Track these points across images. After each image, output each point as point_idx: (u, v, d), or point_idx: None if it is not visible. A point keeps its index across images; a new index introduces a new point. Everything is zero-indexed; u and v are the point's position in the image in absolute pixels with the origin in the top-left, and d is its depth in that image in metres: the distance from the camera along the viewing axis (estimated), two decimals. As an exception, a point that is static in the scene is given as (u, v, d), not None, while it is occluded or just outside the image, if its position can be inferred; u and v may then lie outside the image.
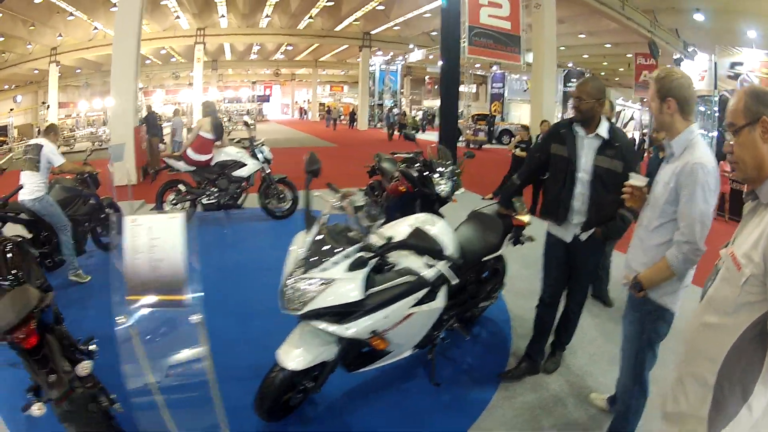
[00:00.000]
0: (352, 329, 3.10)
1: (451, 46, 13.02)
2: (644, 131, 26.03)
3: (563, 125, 3.77)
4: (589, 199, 3.57)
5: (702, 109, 20.13)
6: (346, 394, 3.87)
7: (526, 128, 11.79)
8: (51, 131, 6.33)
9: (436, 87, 45.16)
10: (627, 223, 3.50)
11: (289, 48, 42.74)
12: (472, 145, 24.58)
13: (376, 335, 3.20)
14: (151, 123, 14.95)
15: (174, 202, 8.52)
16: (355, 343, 3.31)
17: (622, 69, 34.38)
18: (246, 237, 8.31)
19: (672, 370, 2.00)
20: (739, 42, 21.20)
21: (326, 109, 47.05)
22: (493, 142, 28.41)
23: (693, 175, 2.53)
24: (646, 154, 13.16)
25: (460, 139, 23.56)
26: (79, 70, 38.36)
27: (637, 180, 2.92)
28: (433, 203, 5.88)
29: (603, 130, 3.54)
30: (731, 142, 1.86)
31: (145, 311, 2.82)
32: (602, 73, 37.67)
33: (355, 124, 39.91)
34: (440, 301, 3.57)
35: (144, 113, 15.62)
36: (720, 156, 9.04)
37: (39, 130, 34.35)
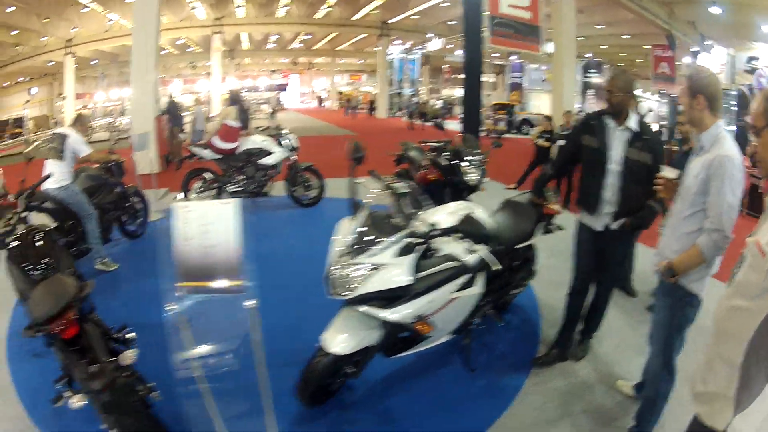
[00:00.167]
0: (398, 314, 3.15)
1: (472, 35, 13.02)
2: (662, 123, 25.79)
3: (594, 117, 3.84)
4: (619, 190, 3.64)
5: (721, 103, 19.95)
6: (383, 380, 3.92)
7: (548, 118, 11.73)
8: (78, 121, 6.35)
9: (454, 76, 45.07)
10: (654, 214, 3.64)
11: (307, 37, 42.74)
12: (492, 135, 24.47)
13: (420, 320, 3.25)
14: (173, 113, 15.06)
15: (200, 190, 8.57)
16: (396, 328, 3.36)
17: (640, 60, 34.03)
18: (274, 225, 8.34)
19: (701, 353, 2.05)
20: (755, 36, 20.99)
21: (345, 98, 47.01)
22: (513, 131, 28.25)
23: (721, 168, 2.66)
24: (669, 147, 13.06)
25: (481, 128, 23.49)
26: (95, 62, 38.61)
27: (669, 172, 3.07)
28: (461, 192, 5.91)
29: (632, 122, 3.62)
30: (755, 143, 1.98)
31: (195, 298, 2.82)
32: (620, 64, 37.30)
33: (373, 112, 39.83)
34: (480, 287, 3.63)
35: (165, 103, 15.68)
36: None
37: (56, 121, 34.81)
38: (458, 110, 33.75)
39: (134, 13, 13.37)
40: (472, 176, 5.93)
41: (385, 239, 3.21)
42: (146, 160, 10.20)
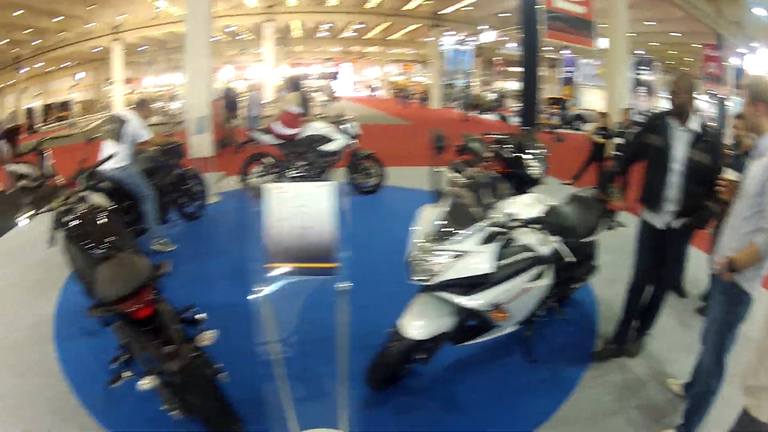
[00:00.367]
0: (477, 301, 3.23)
1: (529, 29, 12.95)
2: (711, 124, 25.10)
3: (658, 117, 3.95)
4: (681, 190, 3.72)
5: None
6: (446, 368, 3.99)
7: (604, 115, 11.63)
8: (141, 105, 6.43)
9: (505, 68, 44.62)
10: (711, 215, 3.77)
11: (360, 26, 42.72)
12: (546, 129, 24.11)
13: (497, 308, 3.33)
14: (230, 98, 15.37)
15: (260, 174, 8.71)
16: (468, 316, 3.44)
17: (689, 59, 33.29)
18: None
19: (751, 351, 2.20)
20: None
21: (398, 87, 47.03)
22: (566, 126, 27.84)
23: None
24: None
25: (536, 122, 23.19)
26: (144, 48, 39.36)
27: (732, 174, 3.23)
28: (523, 185, 5.92)
29: (695, 124, 3.70)
30: None
31: (285, 279, 2.81)
32: (669, 62, 36.52)
33: (426, 102, 39.62)
34: (550, 278, 3.69)
35: (222, 89, 15.99)
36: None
37: (104, 105, 35.64)
38: (509, 103, 33.46)
39: (186, 0, 13.58)
40: (535, 170, 5.95)
41: (468, 227, 3.29)
42: (201, 144, 10.39)
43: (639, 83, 30.42)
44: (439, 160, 3.92)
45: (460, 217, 3.39)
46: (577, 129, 25.94)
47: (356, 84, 56.56)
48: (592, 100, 32.80)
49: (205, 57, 12.97)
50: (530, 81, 13.37)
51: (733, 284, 2.96)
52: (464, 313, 3.36)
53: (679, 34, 29.07)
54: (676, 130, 3.72)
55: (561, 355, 4.28)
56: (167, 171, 6.92)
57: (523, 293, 3.46)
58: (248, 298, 2.80)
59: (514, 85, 39.16)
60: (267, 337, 2.88)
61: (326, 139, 8.66)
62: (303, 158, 8.65)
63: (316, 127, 8.75)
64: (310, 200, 2.73)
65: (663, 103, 23.94)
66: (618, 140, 9.90)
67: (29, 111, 34.56)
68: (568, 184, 10.39)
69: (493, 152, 6.30)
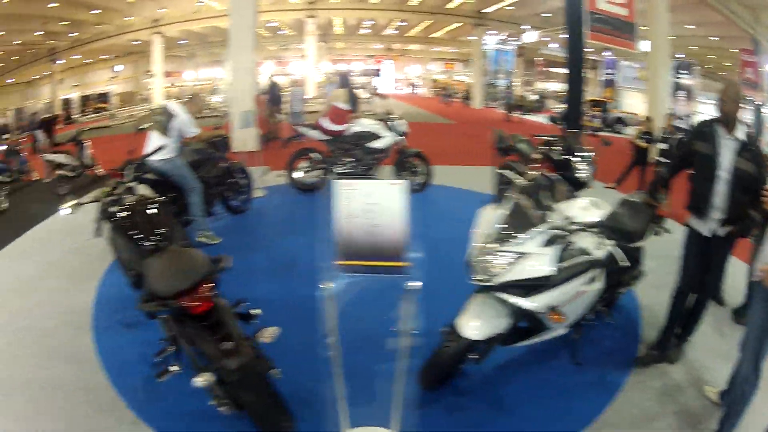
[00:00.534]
0: (536, 302, 3.29)
1: (575, 30, 12.88)
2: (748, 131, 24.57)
3: (706, 124, 3.97)
4: (727, 198, 3.75)
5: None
6: (494, 369, 4.04)
7: (649, 119, 11.55)
8: (190, 100, 6.52)
9: (547, 69, 44.19)
10: (755, 224, 3.78)
11: (402, 24, 42.61)
12: (589, 132, 23.78)
13: (553, 310, 3.40)
14: (274, 93, 15.51)
15: (307, 169, 8.80)
16: (522, 317, 3.51)
17: (728, 63, 32.59)
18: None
19: None
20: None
21: (441, 86, 46.81)
22: (607, 129, 27.46)
23: None
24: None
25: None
26: (184, 41, 39.66)
27: None
28: (571, 188, 5.95)
29: (741, 133, 3.74)
30: None
31: (353, 276, 2.79)
32: (708, 66, 35.82)
33: (468, 101, 39.31)
34: (602, 282, 3.73)
35: (266, 84, 16.17)
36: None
37: (143, 98, 36.14)
38: (550, 104, 33.13)
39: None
40: (584, 173, 5.97)
41: (528, 229, 3.36)
42: (246, 138, 10.52)
43: (679, 87, 29.88)
44: (500, 160, 3.96)
45: (520, 220, 3.46)
46: (618, 132, 25.53)
47: (397, 81, 56.50)
48: (632, 103, 32.28)
49: (249, 51, 13.14)
50: (576, 83, 13.27)
51: None
52: (519, 314, 3.43)
53: (717, 38, 28.46)
54: (723, 138, 3.75)
55: (606, 359, 4.32)
56: (213, 164, 6.98)
57: (578, 296, 3.52)
58: (316, 294, 2.81)
59: (555, 86, 38.65)
60: (327, 334, 2.85)
61: (374, 136, 8.68)
62: (350, 155, 8.68)
63: (365, 124, 8.76)
64: (382, 198, 2.72)
65: (702, 108, 23.41)
66: (662, 145, 9.81)
67: (66, 102, 34.92)
68: (611, 187, 10.32)
69: (541, 154, 6.33)
